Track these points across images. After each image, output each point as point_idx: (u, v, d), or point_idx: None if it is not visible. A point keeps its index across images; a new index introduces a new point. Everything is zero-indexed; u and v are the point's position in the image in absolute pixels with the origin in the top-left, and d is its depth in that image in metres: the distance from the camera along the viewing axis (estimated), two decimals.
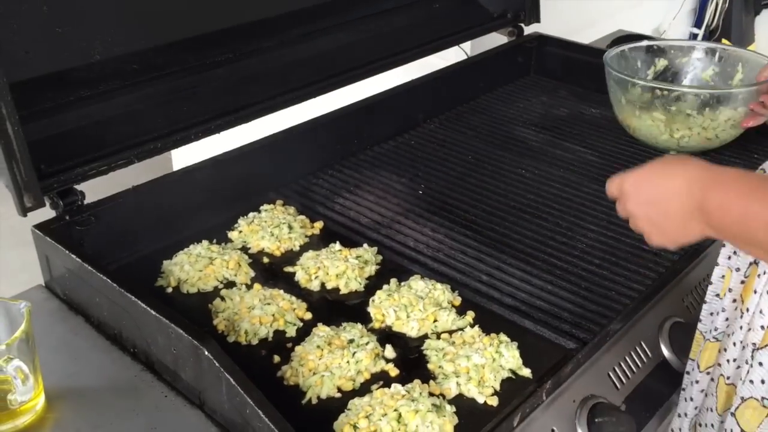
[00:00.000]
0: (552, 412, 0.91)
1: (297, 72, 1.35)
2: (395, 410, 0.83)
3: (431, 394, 0.87)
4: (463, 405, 0.88)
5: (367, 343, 0.93)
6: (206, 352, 0.81)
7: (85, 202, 1.07)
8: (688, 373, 1.01)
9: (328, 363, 0.90)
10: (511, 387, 0.91)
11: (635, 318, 1.02)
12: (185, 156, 1.44)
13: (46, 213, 1.04)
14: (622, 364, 1.00)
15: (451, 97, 1.61)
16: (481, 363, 0.90)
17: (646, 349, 1.04)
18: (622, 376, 0.99)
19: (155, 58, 1.22)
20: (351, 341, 0.93)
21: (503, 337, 0.95)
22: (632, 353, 1.02)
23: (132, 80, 1.19)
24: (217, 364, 0.80)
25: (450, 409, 0.85)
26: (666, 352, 1.05)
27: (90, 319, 1.00)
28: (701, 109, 1.37)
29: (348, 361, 0.91)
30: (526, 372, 0.93)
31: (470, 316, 1.01)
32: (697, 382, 0.97)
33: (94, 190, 1.09)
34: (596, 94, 1.61)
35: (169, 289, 1.06)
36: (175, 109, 1.21)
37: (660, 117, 1.40)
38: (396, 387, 0.86)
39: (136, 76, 1.20)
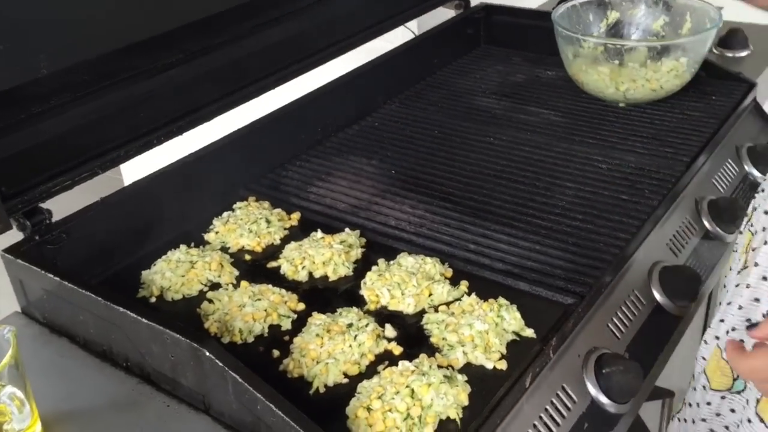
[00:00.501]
0: (559, 369, 0.90)
1: (251, 66, 1.32)
2: (407, 386, 0.81)
3: (440, 367, 0.86)
4: (472, 373, 0.87)
5: (366, 325, 0.91)
6: (207, 353, 0.78)
7: (53, 219, 1.02)
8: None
9: (330, 350, 0.88)
10: (517, 349, 0.90)
11: (625, 267, 1.03)
12: (132, 171, 1.37)
13: (13, 236, 1.00)
14: (619, 313, 1.01)
15: (408, 76, 1.59)
16: (484, 329, 0.89)
17: (639, 296, 1.04)
18: (620, 326, 1.00)
19: (104, 66, 1.17)
20: (350, 325, 0.92)
21: (502, 300, 0.94)
22: (627, 302, 1.02)
23: (84, 91, 1.14)
24: (220, 364, 0.77)
25: (461, 378, 0.84)
26: (658, 296, 1.06)
27: (75, 339, 0.96)
28: (644, 62, 1.38)
29: (350, 345, 0.89)
30: (530, 332, 0.92)
31: (464, 285, 1.00)
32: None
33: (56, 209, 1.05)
34: (549, 57, 1.60)
35: (153, 299, 1.03)
36: (132, 116, 1.17)
37: (605, 71, 1.41)
38: (404, 363, 0.85)
39: (88, 87, 1.15)
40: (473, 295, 0.96)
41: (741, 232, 1.01)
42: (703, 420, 1.01)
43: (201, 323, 0.97)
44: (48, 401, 0.86)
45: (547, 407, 0.87)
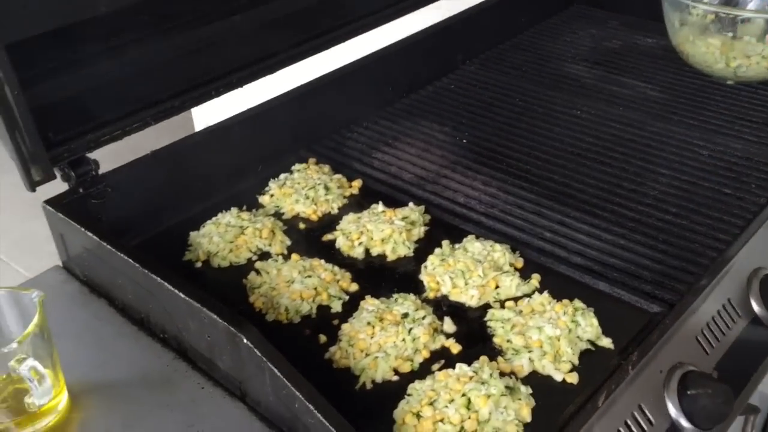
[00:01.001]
0: (637, 385, 0.80)
1: (322, 15, 1.22)
2: (463, 395, 0.72)
3: (502, 374, 0.76)
4: (538, 384, 0.77)
5: (423, 317, 0.83)
6: (245, 340, 0.70)
7: (100, 172, 0.96)
8: None
9: (381, 342, 0.80)
10: (590, 360, 0.80)
11: (723, 271, 0.90)
12: (206, 116, 1.31)
13: (58, 186, 0.94)
14: (710, 326, 0.89)
15: (491, 35, 1.47)
16: (555, 335, 0.79)
17: (735, 306, 0.92)
18: (711, 340, 0.88)
19: (166, 7, 1.09)
20: (405, 315, 0.83)
21: (578, 303, 0.84)
22: (720, 312, 0.90)
23: (142, 33, 1.07)
24: (258, 353, 0.69)
25: (525, 390, 0.74)
26: (757, 308, 0.93)
27: (114, 303, 0.90)
28: (762, 37, 1.22)
29: (404, 339, 0.80)
30: (607, 342, 0.81)
31: (536, 279, 0.90)
32: None
33: (107, 159, 0.99)
34: (651, 22, 1.46)
35: (199, 264, 0.96)
36: (191, 64, 1.09)
37: (716, 43, 1.25)
38: (461, 367, 0.76)
39: (147, 29, 1.07)
40: (545, 293, 0.86)
41: None
42: None
43: (246, 296, 0.90)
44: (78, 369, 0.80)
45: (620, 429, 0.77)
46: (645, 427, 0.78)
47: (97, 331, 0.87)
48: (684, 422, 0.81)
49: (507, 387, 0.73)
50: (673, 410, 0.81)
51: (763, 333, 0.93)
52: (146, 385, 0.79)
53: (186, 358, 0.82)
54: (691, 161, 1.09)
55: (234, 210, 1.01)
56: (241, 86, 1.10)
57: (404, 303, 0.85)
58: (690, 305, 0.85)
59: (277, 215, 1.04)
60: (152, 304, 0.83)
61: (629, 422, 0.78)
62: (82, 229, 0.88)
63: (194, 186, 1.06)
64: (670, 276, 0.89)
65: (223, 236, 0.96)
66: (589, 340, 0.81)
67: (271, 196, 1.06)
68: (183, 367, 0.81)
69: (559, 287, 0.88)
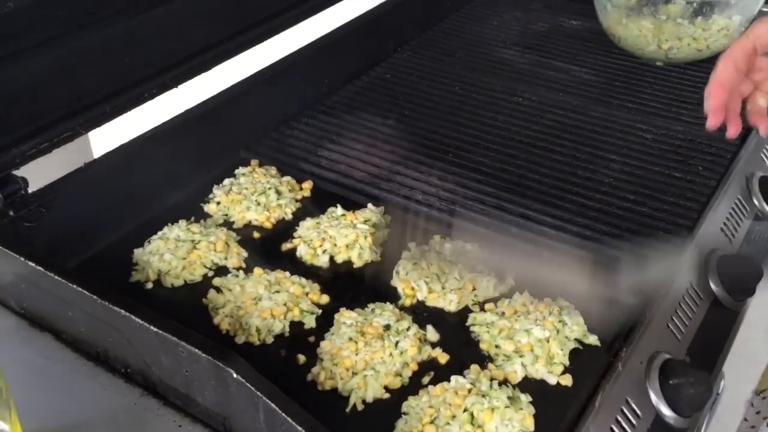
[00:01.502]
0: (622, 380, 0.79)
1: (253, 5, 1.15)
2: (465, 410, 0.70)
3: (499, 384, 0.74)
4: (532, 389, 0.75)
5: (407, 328, 0.79)
6: (235, 375, 0.65)
7: (29, 190, 0.87)
8: None
9: (368, 359, 0.76)
10: (580, 359, 0.79)
11: (685, 257, 0.92)
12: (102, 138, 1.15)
13: None
14: (678, 311, 0.90)
15: (419, 21, 1.43)
16: (544, 337, 0.78)
17: (697, 289, 0.94)
18: (680, 325, 0.89)
19: (82, 1, 1.00)
20: (387, 327, 0.79)
21: (562, 302, 0.83)
22: (685, 297, 0.92)
23: (58, 31, 0.97)
24: (252, 389, 0.64)
25: (525, 399, 0.73)
26: (716, 288, 0.95)
27: (61, 337, 0.81)
28: (692, 18, 1.25)
29: (391, 354, 0.76)
30: (593, 339, 0.81)
31: (511, 278, 0.88)
32: None
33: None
34: (572, 4, 1.47)
35: (149, 285, 0.88)
36: (116, 63, 1.00)
37: (648, 26, 1.27)
38: (457, 380, 0.73)
39: (63, 26, 0.97)
40: (526, 293, 0.84)
41: None
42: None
43: (208, 317, 0.84)
44: (34, 416, 0.72)
45: (612, 426, 0.77)
46: (634, 422, 0.79)
47: (47, 370, 0.78)
48: (667, 411, 0.81)
49: (508, 397, 0.71)
50: (656, 401, 0.81)
51: (724, 313, 0.95)
52: (115, 427, 0.72)
53: (156, 394, 0.75)
54: (637, 146, 1.10)
55: (182, 222, 0.94)
56: (176, 86, 1.02)
57: (383, 314, 0.81)
58: (665, 295, 0.86)
59: (227, 224, 0.97)
60: (111, 336, 0.75)
61: (620, 418, 0.78)
62: (16, 256, 0.78)
63: (132, 199, 0.97)
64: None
65: (174, 252, 0.89)
66: (576, 339, 0.80)
67: (218, 203, 0.99)
68: (153, 404, 0.74)
69: (535, 285, 0.87)
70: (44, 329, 0.82)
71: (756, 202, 1.09)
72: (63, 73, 0.94)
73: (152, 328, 0.69)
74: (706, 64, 1.29)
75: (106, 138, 1.04)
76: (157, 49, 1.03)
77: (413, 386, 0.76)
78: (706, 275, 0.96)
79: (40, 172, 0.93)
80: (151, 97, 0.99)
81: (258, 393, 0.64)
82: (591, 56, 1.34)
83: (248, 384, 0.64)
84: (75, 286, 0.73)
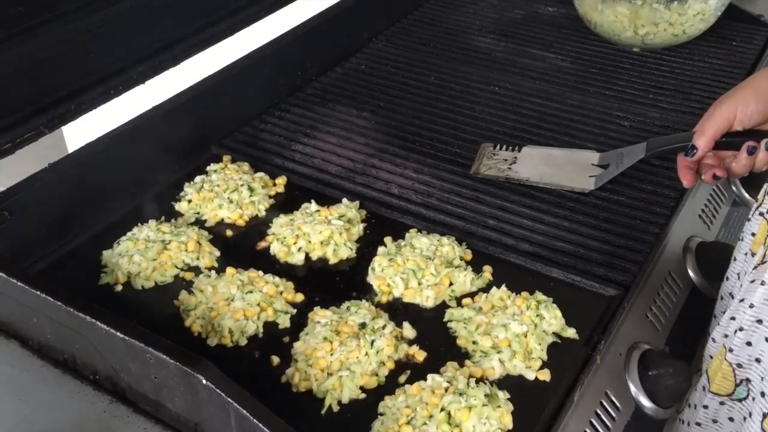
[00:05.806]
0: (601, 372, 0.79)
1: None
2: (442, 409, 0.68)
3: (477, 381, 0.73)
4: (511, 386, 0.74)
5: (383, 327, 0.77)
6: (204, 381, 0.63)
7: None
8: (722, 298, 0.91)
9: (343, 359, 0.74)
10: (558, 354, 0.78)
11: (662, 246, 0.91)
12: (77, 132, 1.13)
13: None
14: (657, 300, 0.89)
15: (393, 9, 1.41)
16: (522, 332, 0.77)
17: (675, 278, 0.93)
18: (660, 315, 0.89)
19: None
20: (363, 326, 0.77)
21: (540, 296, 0.81)
22: (664, 286, 0.91)
23: (19, 27, 0.94)
24: (222, 395, 0.62)
25: (503, 396, 0.71)
26: (694, 276, 0.95)
27: (28, 344, 0.79)
28: (668, 3, 1.24)
29: (367, 353, 0.75)
30: (571, 332, 0.80)
31: (488, 272, 0.87)
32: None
33: None
34: None
35: (119, 287, 0.86)
36: (80, 60, 0.97)
37: (624, 12, 1.26)
38: (434, 378, 0.72)
39: (24, 22, 0.94)
40: (503, 287, 0.83)
41: (750, 219, 0.88)
42: (698, 424, 0.89)
43: (180, 319, 0.82)
44: (0, 426, 0.70)
45: (592, 420, 0.76)
46: (614, 414, 0.78)
47: (13, 379, 0.76)
48: (647, 402, 0.81)
49: (485, 395, 0.70)
50: (636, 392, 0.80)
51: (703, 301, 0.94)
52: None
53: (125, 401, 0.73)
54: (615, 133, 1.09)
55: (152, 222, 0.91)
56: (143, 82, 1.00)
57: (358, 311, 0.80)
58: (644, 285, 0.85)
59: (199, 223, 0.95)
60: (78, 343, 0.73)
61: (599, 411, 0.77)
62: None
63: (100, 198, 0.95)
64: (619, 256, 0.88)
65: (144, 254, 0.87)
66: (554, 333, 0.79)
67: (189, 202, 0.97)
68: (123, 411, 0.72)
69: (512, 278, 0.85)
70: (10, 336, 0.80)
71: (734, 188, 1.08)
72: (25, 71, 0.91)
73: (118, 334, 0.67)
74: (683, 50, 1.28)
75: (83, 135, 1.01)
76: (123, 45, 1.00)
77: (390, 385, 0.74)
78: (685, 262, 0.95)
79: (13, 169, 0.91)
80: (118, 93, 0.97)
81: (228, 399, 0.62)
82: (567, 43, 1.32)
83: (218, 390, 0.63)
84: (39, 293, 0.71)
